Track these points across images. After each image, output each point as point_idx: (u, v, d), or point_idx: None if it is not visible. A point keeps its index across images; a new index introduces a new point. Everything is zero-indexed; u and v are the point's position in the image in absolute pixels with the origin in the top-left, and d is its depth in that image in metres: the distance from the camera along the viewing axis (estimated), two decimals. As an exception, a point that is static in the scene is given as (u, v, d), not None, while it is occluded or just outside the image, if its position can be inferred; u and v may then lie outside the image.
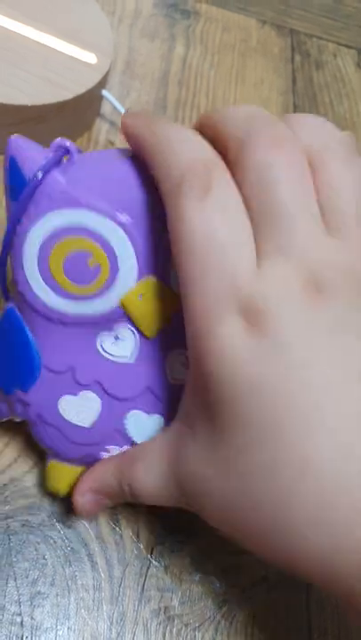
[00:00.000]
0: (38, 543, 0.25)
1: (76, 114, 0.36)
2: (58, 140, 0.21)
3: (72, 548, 0.26)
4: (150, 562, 0.26)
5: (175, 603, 0.26)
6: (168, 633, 0.25)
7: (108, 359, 0.23)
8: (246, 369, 0.17)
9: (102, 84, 0.37)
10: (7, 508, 0.26)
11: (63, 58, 0.36)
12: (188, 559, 0.27)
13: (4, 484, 0.26)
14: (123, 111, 0.38)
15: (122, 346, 0.23)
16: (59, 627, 0.24)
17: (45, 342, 0.23)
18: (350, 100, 0.50)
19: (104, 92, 0.38)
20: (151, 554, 0.26)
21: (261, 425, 0.17)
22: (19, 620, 0.24)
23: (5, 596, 0.24)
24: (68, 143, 0.21)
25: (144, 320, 0.22)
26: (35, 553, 0.25)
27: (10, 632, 0.24)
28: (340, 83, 0.51)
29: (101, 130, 0.39)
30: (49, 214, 0.21)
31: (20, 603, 0.24)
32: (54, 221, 0.21)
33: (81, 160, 0.21)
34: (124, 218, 0.21)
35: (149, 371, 0.23)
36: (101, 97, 0.38)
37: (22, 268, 0.22)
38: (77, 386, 0.23)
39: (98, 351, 0.23)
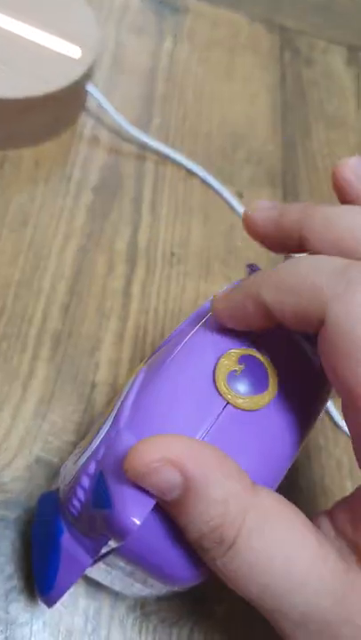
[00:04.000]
0: (15, 538, 0.25)
1: (61, 108, 0.36)
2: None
3: (48, 543, 0.26)
4: (127, 557, 0.26)
5: (152, 599, 0.26)
6: (144, 629, 0.25)
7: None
8: None
9: (87, 77, 0.37)
10: (-17, 502, 0.26)
11: (46, 51, 0.36)
12: (165, 555, 0.26)
13: (-19, 479, 0.26)
14: (108, 106, 0.38)
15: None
16: (34, 621, 0.24)
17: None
18: (340, 98, 0.50)
19: (89, 87, 0.37)
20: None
21: None
22: (-7, 614, 0.24)
23: (-20, 590, 0.24)
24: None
25: None
26: (11, 548, 0.25)
27: (-16, 627, 0.23)
28: (329, 80, 0.51)
29: (87, 125, 0.39)
30: None
31: (-6, 597, 0.24)
32: None
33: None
34: None
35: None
36: (86, 91, 0.38)
37: None
38: None
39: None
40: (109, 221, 0.36)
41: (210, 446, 0.16)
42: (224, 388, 0.17)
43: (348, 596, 0.16)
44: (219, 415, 0.17)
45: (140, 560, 0.18)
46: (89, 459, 0.18)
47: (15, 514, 0.26)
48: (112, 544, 0.17)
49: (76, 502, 0.18)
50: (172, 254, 0.36)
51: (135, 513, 0.16)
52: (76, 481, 0.18)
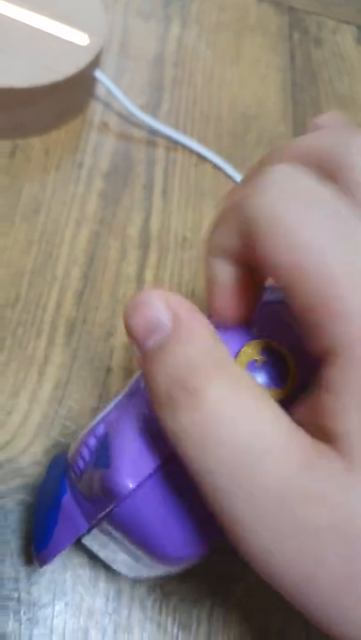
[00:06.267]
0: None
1: (69, 96, 0.36)
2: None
3: (68, 526, 0.26)
4: (146, 539, 0.26)
5: (172, 578, 0.26)
6: (165, 608, 0.25)
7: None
8: None
9: (95, 64, 0.37)
10: (3, 487, 0.26)
11: (54, 39, 0.36)
12: (184, 536, 0.27)
13: (0, 464, 0.26)
14: (117, 93, 0.38)
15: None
16: (56, 602, 0.24)
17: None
18: (350, 77, 0.49)
19: (98, 74, 0.37)
20: (147, 531, 0.26)
21: None
22: (16, 595, 0.24)
23: (3, 572, 0.24)
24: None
25: None
26: (31, 531, 0.25)
27: (7, 607, 0.24)
28: (339, 59, 0.50)
29: (96, 112, 0.39)
30: None
31: (17, 579, 0.24)
32: None
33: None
34: None
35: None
36: (95, 78, 0.38)
37: None
38: None
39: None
40: (121, 207, 0.36)
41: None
42: None
43: (317, 464, 0.14)
44: None
45: (131, 530, 0.17)
46: (99, 421, 0.18)
47: (34, 498, 0.26)
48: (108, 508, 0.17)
49: (80, 462, 0.18)
50: (185, 239, 0.36)
51: (131, 475, 0.16)
52: (83, 441, 0.18)
